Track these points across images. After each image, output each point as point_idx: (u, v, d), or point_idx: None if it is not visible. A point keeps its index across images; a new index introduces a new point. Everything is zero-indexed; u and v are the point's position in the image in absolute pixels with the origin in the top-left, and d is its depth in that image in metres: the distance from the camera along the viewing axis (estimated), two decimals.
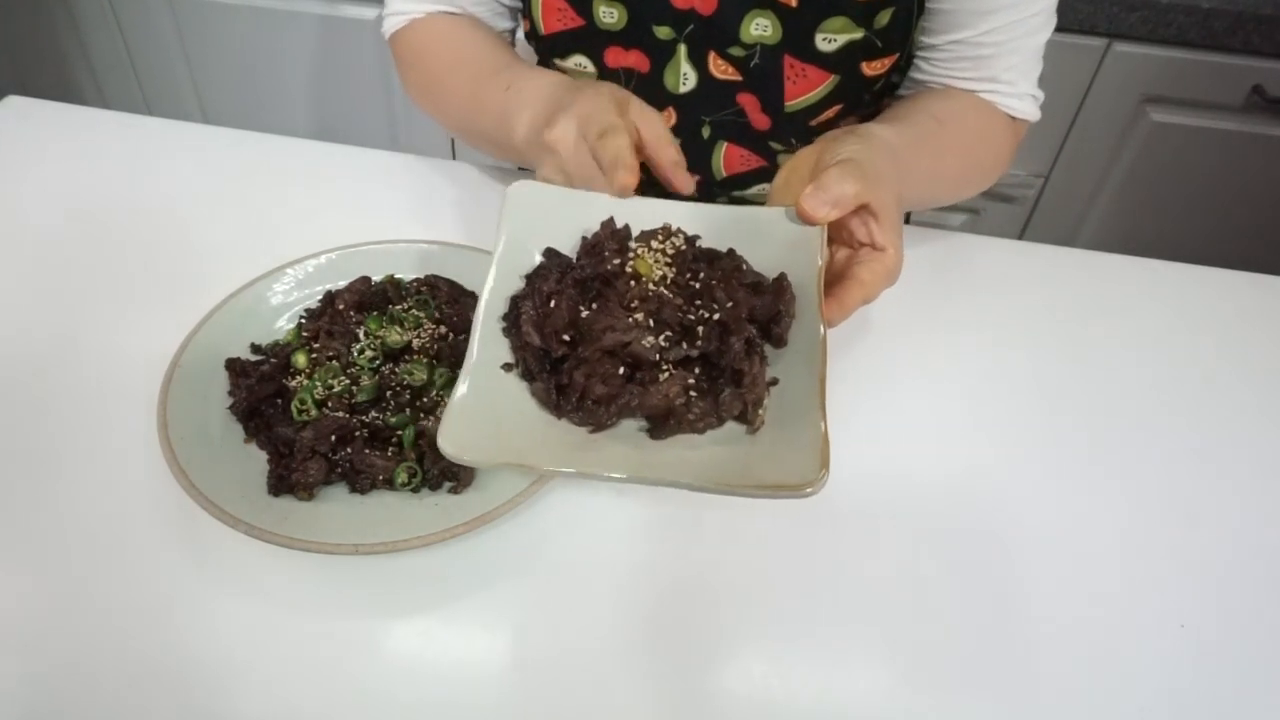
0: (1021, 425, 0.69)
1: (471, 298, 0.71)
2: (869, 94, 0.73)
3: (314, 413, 0.61)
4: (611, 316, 0.44)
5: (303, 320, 0.69)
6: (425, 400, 0.63)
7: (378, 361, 0.65)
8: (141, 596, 0.55)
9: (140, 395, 0.65)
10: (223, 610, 0.55)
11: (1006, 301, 0.79)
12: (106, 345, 0.69)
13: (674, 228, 0.48)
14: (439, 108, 0.80)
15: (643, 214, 0.49)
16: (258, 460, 0.60)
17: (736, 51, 0.70)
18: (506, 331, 0.47)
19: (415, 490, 0.59)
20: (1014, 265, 0.83)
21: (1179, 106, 1.38)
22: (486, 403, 0.44)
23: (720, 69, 0.72)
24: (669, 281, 0.46)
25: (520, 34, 0.84)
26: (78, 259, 0.76)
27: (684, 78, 0.73)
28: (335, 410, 0.61)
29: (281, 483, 0.58)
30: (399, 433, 0.60)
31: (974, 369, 0.72)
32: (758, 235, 0.49)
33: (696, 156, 0.80)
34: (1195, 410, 0.71)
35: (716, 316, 0.45)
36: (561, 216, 0.50)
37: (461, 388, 0.43)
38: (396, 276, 0.72)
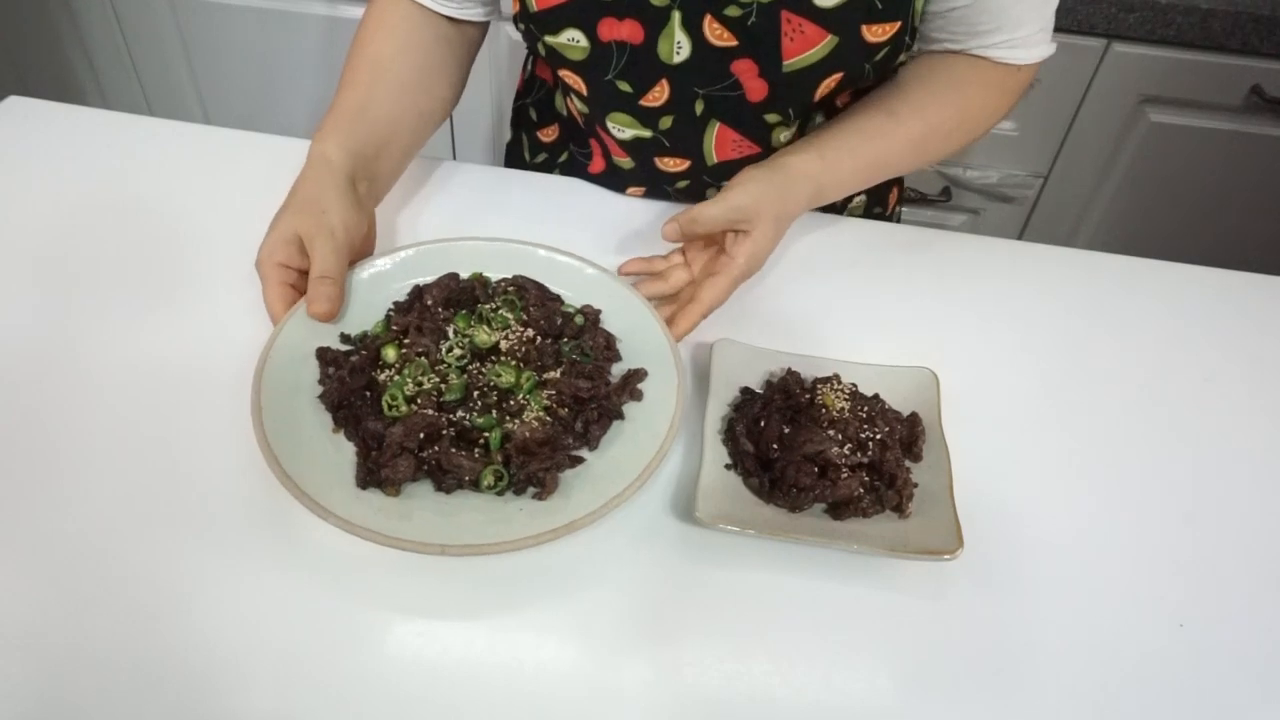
0: (1020, 425, 0.69)
1: (557, 301, 0.71)
2: (870, 64, 0.73)
3: (404, 409, 0.61)
4: (810, 433, 0.61)
5: (390, 313, 0.69)
6: (512, 403, 0.63)
7: (465, 360, 0.65)
8: (139, 597, 0.56)
9: (141, 395, 0.65)
10: (221, 610, 0.55)
11: (1006, 301, 0.79)
12: (105, 345, 0.69)
13: (841, 376, 0.66)
14: None
15: (812, 367, 0.68)
16: (345, 451, 0.61)
17: (732, 11, 0.70)
18: (724, 442, 0.65)
19: (500, 494, 0.59)
20: (1014, 265, 0.84)
21: (1177, 107, 1.38)
22: (719, 488, 0.61)
23: (716, 34, 0.72)
24: (846, 411, 0.63)
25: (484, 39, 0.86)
26: (78, 259, 0.76)
27: (678, 46, 0.73)
28: (424, 407, 0.61)
29: (370, 476, 0.58)
30: (485, 434, 0.60)
31: (973, 369, 0.72)
32: (894, 385, 0.67)
33: (689, 137, 0.80)
34: (1195, 410, 0.72)
35: (878, 436, 0.62)
36: (750, 363, 0.69)
37: (705, 479, 0.61)
38: (484, 275, 0.72)
